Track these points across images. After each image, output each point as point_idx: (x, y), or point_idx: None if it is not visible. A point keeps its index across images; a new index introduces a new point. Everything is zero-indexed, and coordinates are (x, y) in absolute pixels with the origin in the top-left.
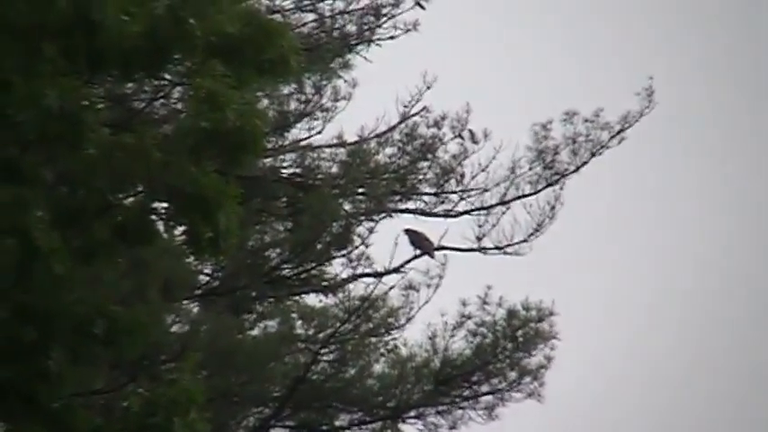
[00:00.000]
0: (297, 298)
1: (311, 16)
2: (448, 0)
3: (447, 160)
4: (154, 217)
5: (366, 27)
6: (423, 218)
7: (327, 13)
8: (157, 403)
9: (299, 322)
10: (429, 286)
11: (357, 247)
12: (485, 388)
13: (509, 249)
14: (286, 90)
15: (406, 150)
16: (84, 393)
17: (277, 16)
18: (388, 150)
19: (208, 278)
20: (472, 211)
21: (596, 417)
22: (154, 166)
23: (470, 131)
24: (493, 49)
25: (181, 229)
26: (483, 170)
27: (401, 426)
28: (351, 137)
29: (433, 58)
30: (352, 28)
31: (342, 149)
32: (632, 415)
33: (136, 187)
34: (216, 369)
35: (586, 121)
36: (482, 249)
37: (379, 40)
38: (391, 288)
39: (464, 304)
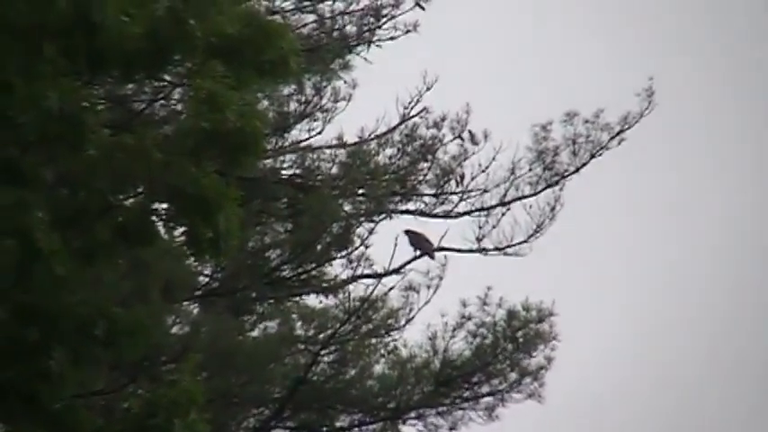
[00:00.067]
0: (297, 299)
1: (311, 17)
2: (448, 1)
3: (447, 161)
4: (154, 218)
5: (366, 28)
6: (423, 219)
7: (327, 14)
8: (158, 404)
9: (299, 323)
10: (429, 287)
11: (357, 248)
12: (485, 389)
13: (509, 250)
14: (286, 91)
15: (406, 151)
16: (85, 394)
17: (277, 17)
18: (388, 151)
19: (208, 279)
20: (472, 211)
21: (598, 419)
22: (154, 167)
23: (470, 132)
24: (493, 49)
25: (181, 230)
26: (483, 171)
27: (401, 427)
28: (351, 138)
29: (432, 59)
30: (352, 29)
31: (342, 150)
32: (637, 417)
33: (136, 188)
34: (216, 370)
35: (586, 121)
36: (482, 250)
37: (378, 40)
38: (391, 289)
39: (464, 305)
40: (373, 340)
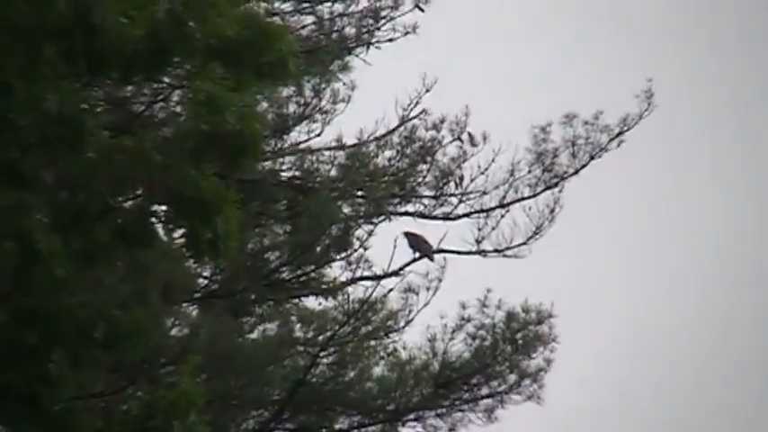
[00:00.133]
0: (296, 301)
1: (310, 19)
2: (447, 2)
3: (446, 163)
4: (153, 220)
5: (365, 29)
6: (422, 221)
7: (326, 16)
8: (157, 406)
9: (299, 325)
10: (428, 289)
11: (356, 250)
12: (484, 391)
13: (508, 252)
14: (285, 93)
15: (405, 153)
16: (85, 396)
17: (276, 19)
18: (387, 153)
19: (207, 281)
20: (471, 213)
21: (598, 419)
22: (153, 169)
23: (469, 134)
24: (492, 51)
25: (180, 232)
26: (482, 173)
27: (401, 428)
28: (350, 139)
29: (431, 61)
30: (351, 30)
31: (341, 152)
32: (636, 417)
33: (135, 190)
34: (215, 372)
35: (586, 123)
36: (481, 252)
37: (378, 42)
38: (390, 291)
39: (463, 307)
40: (372, 342)
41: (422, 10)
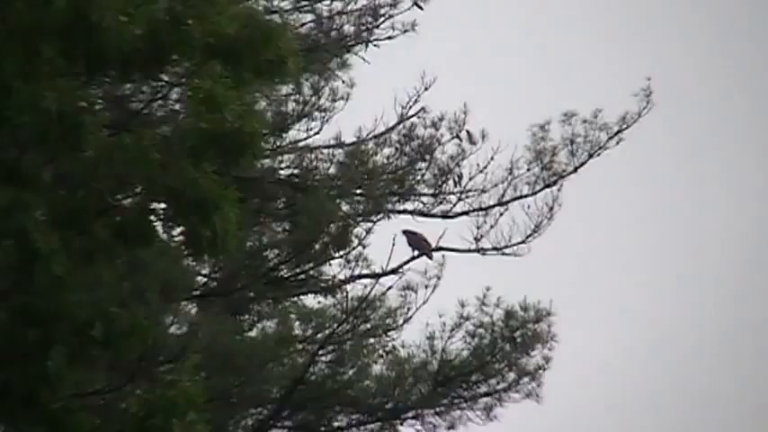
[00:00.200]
0: (295, 299)
1: (309, 17)
2: (445, 0)
3: (445, 161)
4: (152, 218)
5: (364, 27)
6: (421, 219)
7: (325, 14)
8: (156, 405)
9: (297, 323)
10: (427, 287)
11: (355, 248)
12: (483, 389)
13: (507, 250)
14: (284, 91)
15: (404, 151)
16: (83, 394)
17: (275, 17)
18: (386, 151)
19: (206, 279)
20: (470, 211)
21: (598, 419)
22: (152, 168)
23: (468, 132)
24: (491, 49)
25: (179, 230)
26: (481, 171)
27: (399, 426)
28: (349, 137)
29: (430, 59)
30: (349, 28)
31: (340, 150)
32: (636, 417)
33: (134, 188)
34: (214, 370)
35: (585, 121)
36: (480, 250)
37: (376, 40)
38: (389, 289)
39: (462, 305)
40: (371, 340)
41: (420, 8)
